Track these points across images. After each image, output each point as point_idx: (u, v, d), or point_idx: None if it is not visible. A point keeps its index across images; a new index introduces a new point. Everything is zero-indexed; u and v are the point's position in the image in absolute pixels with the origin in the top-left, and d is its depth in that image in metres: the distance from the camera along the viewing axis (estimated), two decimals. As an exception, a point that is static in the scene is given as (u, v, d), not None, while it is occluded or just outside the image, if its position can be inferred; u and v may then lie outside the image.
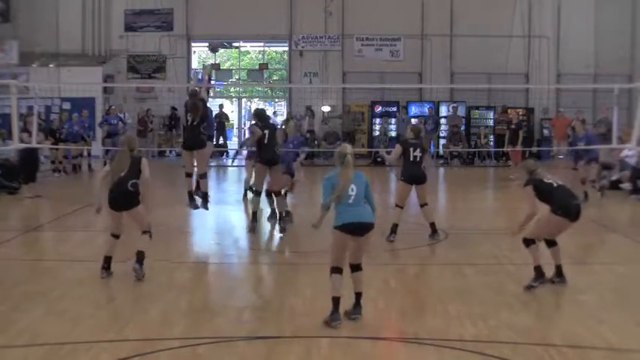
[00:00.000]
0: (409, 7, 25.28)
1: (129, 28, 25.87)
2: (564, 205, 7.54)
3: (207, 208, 10.73)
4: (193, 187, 10.66)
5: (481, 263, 9.06)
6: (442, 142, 24.68)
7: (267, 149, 10.70)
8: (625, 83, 21.04)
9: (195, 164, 10.47)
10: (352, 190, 6.39)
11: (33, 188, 14.76)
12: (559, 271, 7.74)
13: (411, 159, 10.12)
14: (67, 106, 23.10)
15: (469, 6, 25.15)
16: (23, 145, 14.00)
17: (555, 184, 7.71)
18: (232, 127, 30.49)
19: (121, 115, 22.32)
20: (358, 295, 6.54)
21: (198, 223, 12.16)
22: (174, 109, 25.03)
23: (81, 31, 25.70)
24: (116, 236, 8.00)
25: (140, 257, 7.82)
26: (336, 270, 6.42)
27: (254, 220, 10.93)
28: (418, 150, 10.15)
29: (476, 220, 12.02)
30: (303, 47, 25.91)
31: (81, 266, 8.78)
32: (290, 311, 6.82)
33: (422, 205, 10.38)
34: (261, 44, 28.72)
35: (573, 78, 23.94)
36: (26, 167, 14.91)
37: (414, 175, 10.16)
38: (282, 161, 11.36)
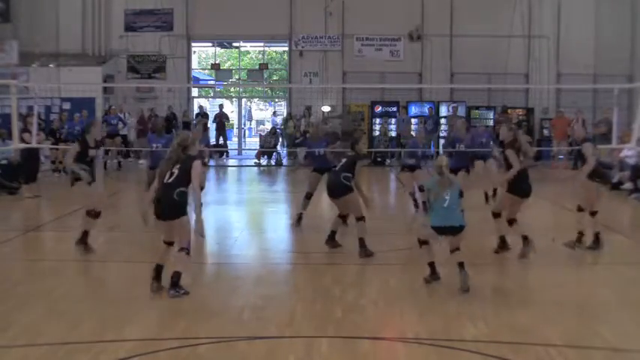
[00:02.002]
0: (409, 7, 25.29)
1: (129, 28, 25.85)
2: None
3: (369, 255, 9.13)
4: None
5: (481, 263, 9.05)
6: (442, 142, 24.66)
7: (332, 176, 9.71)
8: (625, 83, 21.06)
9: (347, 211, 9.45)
10: (447, 195, 7.39)
11: (33, 188, 14.76)
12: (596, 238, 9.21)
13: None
14: (67, 106, 23.09)
15: (469, 6, 25.15)
16: (23, 145, 14.00)
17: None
18: (232, 127, 30.51)
19: (121, 115, 22.32)
20: (461, 265, 7.39)
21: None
22: (170, 107, 24.86)
23: (81, 31, 25.70)
24: (169, 243, 7.35)
25: (175, 279, 7.08)
26: (425, 242, 7.64)
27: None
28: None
29: (476, 219, 11.98)
30: (303, 47, 25.92)
31: (81, 266, 8.78)
32: (290, 311, 6.82)
33: (511, 221, 9.20)
34: (261, 44, 28.75)
35: (573, 78, 23.92)
36: (27, 167, 14.91)
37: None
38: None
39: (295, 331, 6.24)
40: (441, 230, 7.46)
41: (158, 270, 7.27)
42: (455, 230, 7.42)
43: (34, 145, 14.12)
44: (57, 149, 18.75)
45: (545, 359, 5.58)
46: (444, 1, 25.32)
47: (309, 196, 11.53)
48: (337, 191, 9.22)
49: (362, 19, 25.27)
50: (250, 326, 6.38)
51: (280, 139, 24.77)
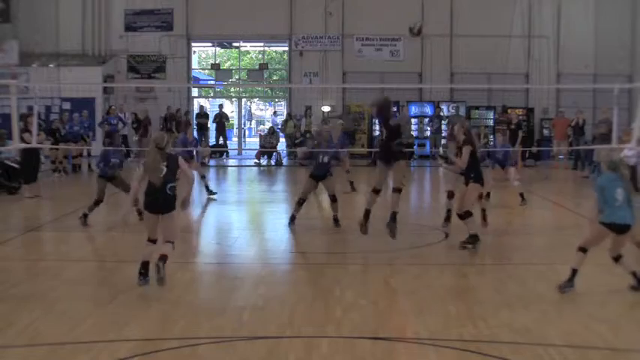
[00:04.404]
0: (409, 7, 25.27)
1: (129, 28, 25.88)
2: None
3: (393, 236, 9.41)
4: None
5: (481, 263, 9.06)
6: (442, 141, 24.67)
7: None
8: (625, 83, 21.07)
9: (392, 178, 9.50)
10: (619, 193, 7.24)
11: (33, 188, 14.76)
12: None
13: None
14: (67, 106, 23.13)
15: (469, 6, 25.16)
16: (23, 145, 14.00)
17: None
18: (232, 127, 30.52)
19: (121, 115, 22.30)
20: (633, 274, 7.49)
21: (199, 223, 12.16)
22: (169, 108, 24.82)
23: (81, 31, 25.72)
24: (153, 241, 7.68)
25: (164, 258, 7.39)
26: (585, 250, 7.45)
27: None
28: None
29: (475, 219, 11.99)
30: (303, 47, 25.92)
31: (81, 266, 8.79)
32: (290, 311, 6.82)
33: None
34: (261, 44, 28.75)
35: (573, 78, 23.94)
36: (27, 167, 14.92)
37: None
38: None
39: (295, 331, 6.24)
40: (614, 228, 7.29)
41: (145, 266, 7.46)
42: (626, 229, 7.30)
43: (34, 145, 14.12)
44: (57, 149, 18.75)
45: (545, 359, 5.58)
46: (444, 1, 25.33)
47: (301, 203, 11.28)
48: (391, 156, 9.19)
49: (362, 19, 25.30)
50: (250, 326, 6.38)
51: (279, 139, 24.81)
